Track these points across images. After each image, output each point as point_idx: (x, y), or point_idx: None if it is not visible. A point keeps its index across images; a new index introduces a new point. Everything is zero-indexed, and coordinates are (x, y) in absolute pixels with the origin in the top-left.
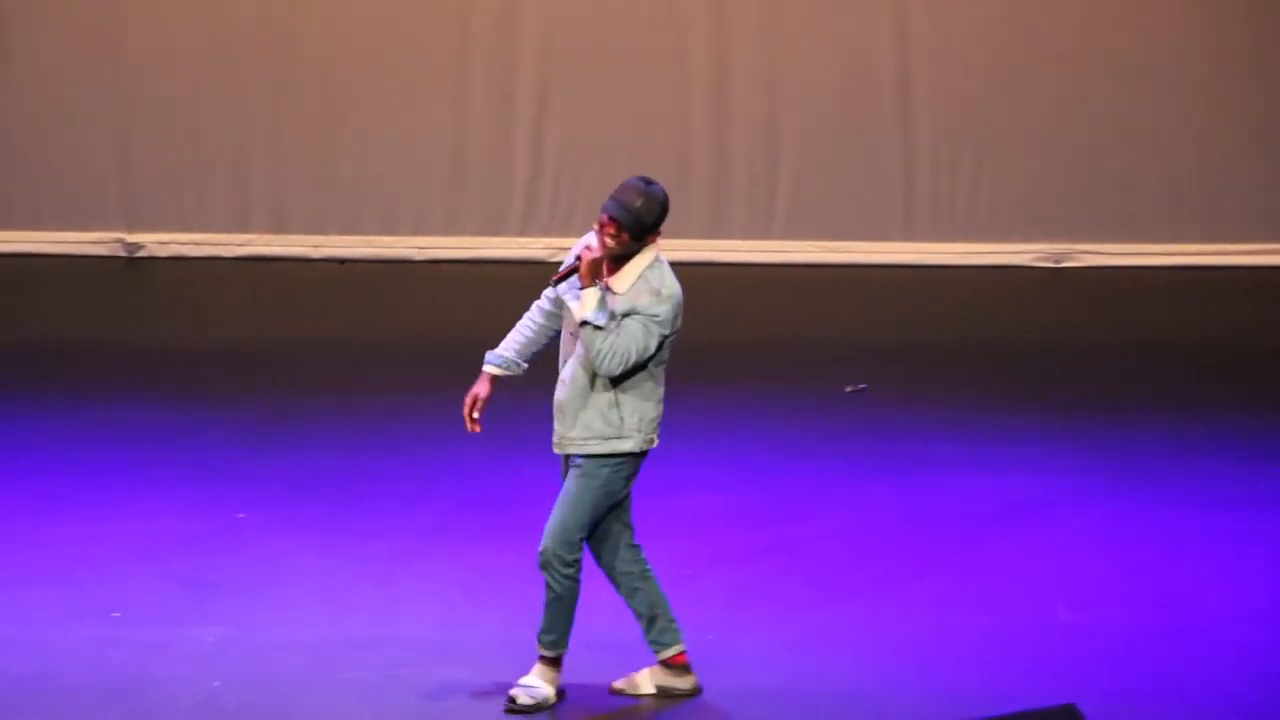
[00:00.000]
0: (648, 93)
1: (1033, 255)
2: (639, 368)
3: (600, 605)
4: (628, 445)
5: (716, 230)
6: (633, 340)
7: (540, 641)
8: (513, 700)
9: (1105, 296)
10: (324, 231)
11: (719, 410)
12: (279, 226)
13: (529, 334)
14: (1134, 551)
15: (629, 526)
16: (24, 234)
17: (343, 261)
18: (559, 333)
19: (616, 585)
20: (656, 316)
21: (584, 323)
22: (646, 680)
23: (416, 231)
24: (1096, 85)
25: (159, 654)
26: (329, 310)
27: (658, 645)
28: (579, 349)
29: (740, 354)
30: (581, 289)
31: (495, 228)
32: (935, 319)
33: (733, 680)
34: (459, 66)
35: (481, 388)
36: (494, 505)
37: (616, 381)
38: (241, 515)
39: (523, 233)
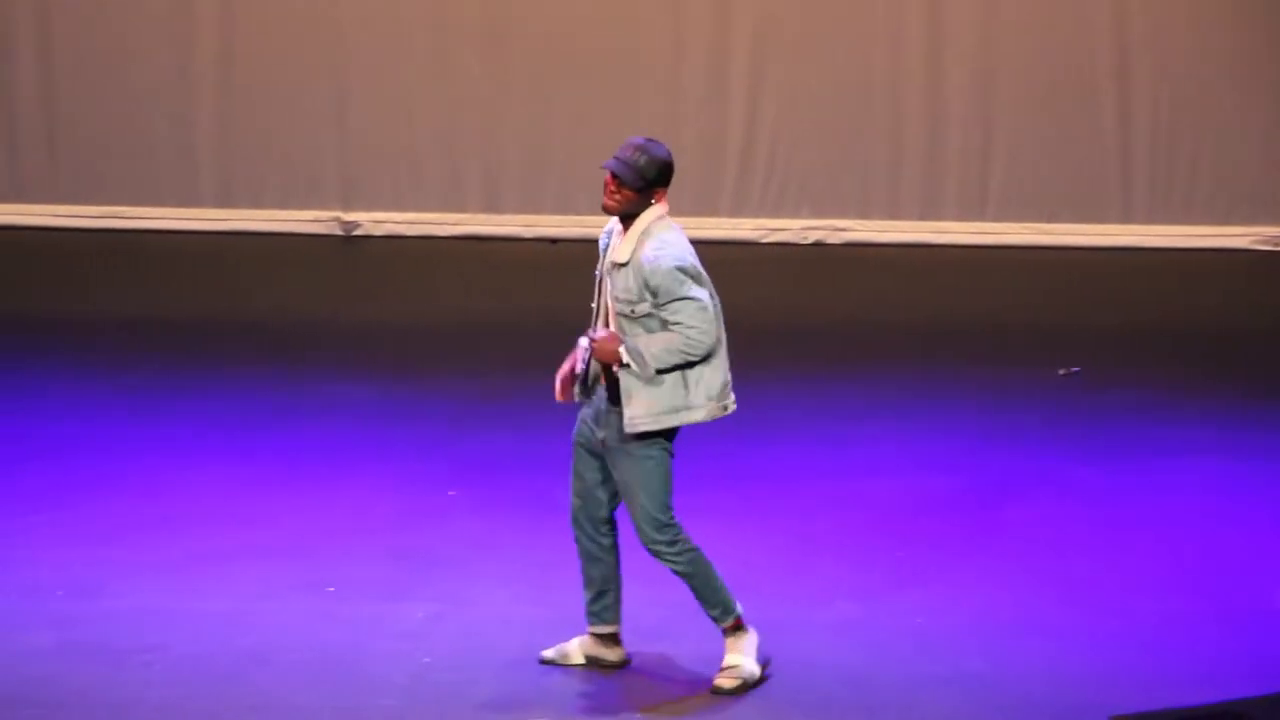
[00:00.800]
0: (860, 74)
1: (1252, 238)
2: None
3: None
4: (698, 415)
5: (929, 212)
6: (689, 318)
7: (714, 620)
8: (718, 688)
9: None
10: (537, 211)
11: (930, 392)
12: (492, 206)
13: None
14: None
15: (616, 499)
16: (245, 212)
17: (555, 241)
18: None
19: (580, 547)
20: (682, 268)
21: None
22: (577, 650)
23: None
24: None
25: (372, 629)
26: (541, 289)
27: (597, 619)
28: (632, 331)
29: (952, 335)
30: (611, 377)
31: (707, 208)
32: (1151, 302)
33: (941, 665)
34: (673, 45)
35: (573, 362)
36: (701, 482)
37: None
38: (453, 492)
39: (734, 213)
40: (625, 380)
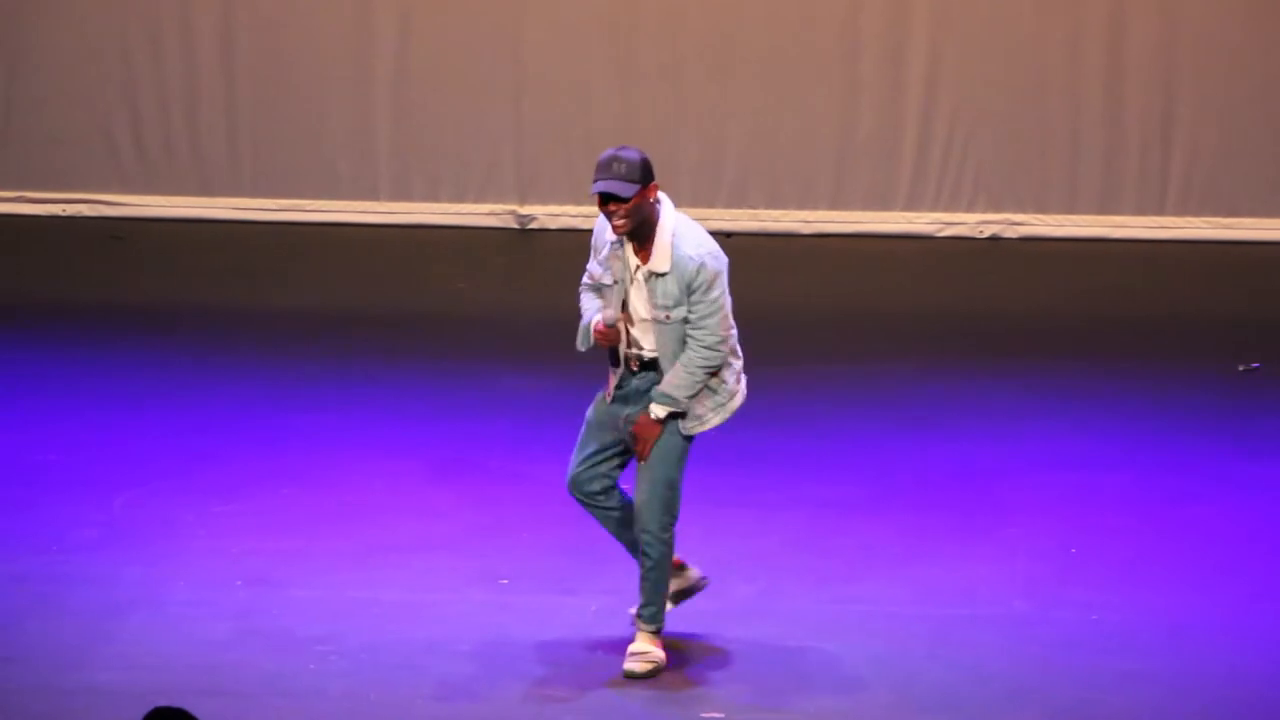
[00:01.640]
0: (1038, 66)
1: None
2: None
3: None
4: (739, 401)
5: (1107, 206)
6: (712, 331)
7: (645, 618)
8: (629, 667)
9: None
10: (711, 205)
11: (1106, 387)
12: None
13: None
14: None
15: (613, 477)
16: (421, 206)
17: (729, 235)
18: None
19: (591, 513)
20: (709, 291)
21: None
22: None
23: (802, 205)
24: None
25: (545, 621)
26: None
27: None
28: (657, 334)
29: (1129, 330)
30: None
31: (882, 202)
32: None
33: (1119, 662)
34: (849, 39)
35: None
36: (872, 478)
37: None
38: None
39: (909, 207)
40: (696, 376)
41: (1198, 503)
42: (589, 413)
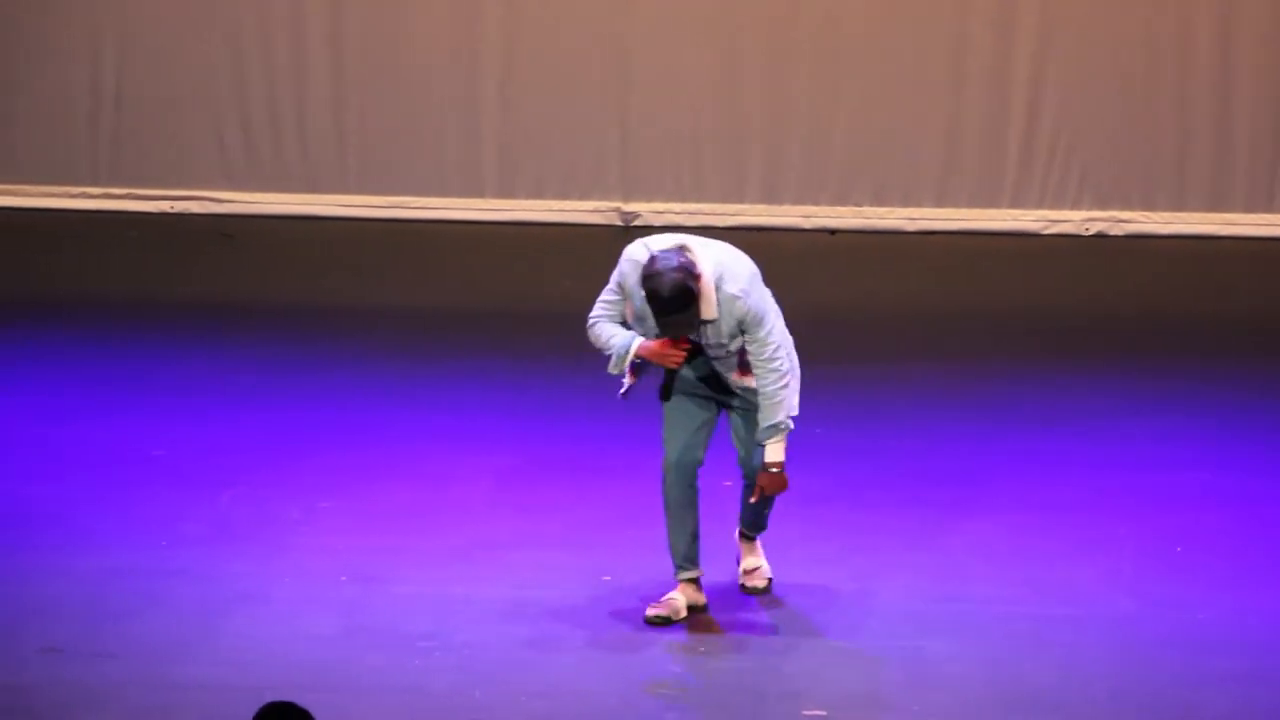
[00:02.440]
0: (1145, 61)
1: None
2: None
3: None
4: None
5: (1216, 203)
6: (774, 361)
7: (751, 535)
8: (742, 585)
9: None
10: (816, 202)
11: (1216, 386)
12: (771, 197)
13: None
14: None
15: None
16: (526, 203)
17: (834, 232)
18: None
19: (673, 500)
20: (762, 324)
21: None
22: (683, 604)
23: (907, 203)
24: None
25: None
26: (817, 279)
27: (691, 565)
28: (734, 365)
29: (1238, 329)
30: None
31: (988, 199)
32: None
33: (1224, 660)
34: (956, 35)
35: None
36: (978, 474)
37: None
38: (729, 483)
39: (1015, 204)
40: (780, 397)
41: None
42: (676, 387)
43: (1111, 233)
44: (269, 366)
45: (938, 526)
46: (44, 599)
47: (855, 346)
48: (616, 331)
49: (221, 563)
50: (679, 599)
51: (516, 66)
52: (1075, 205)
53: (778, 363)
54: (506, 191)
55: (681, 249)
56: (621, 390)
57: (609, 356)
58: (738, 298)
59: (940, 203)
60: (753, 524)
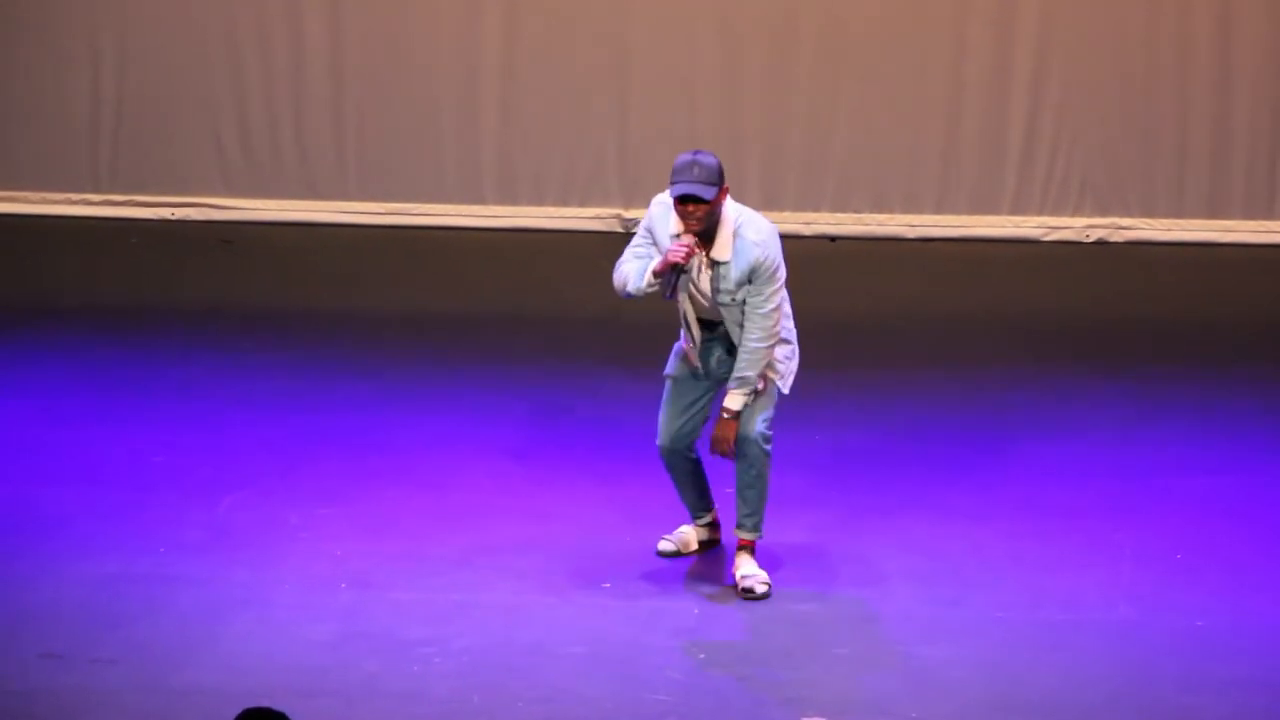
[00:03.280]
0: (1145, 68)
1: None
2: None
3: None
4: (794, 368)
5: (1216, 210)
6: (769, 319)
7: (747, 528)
8: (739, 590)
9: None
10: (816, 209)
11: (1215, 393)
12: (771, 203)
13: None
14: None
15: (701, 428)
16: (526, 209)
17: (833, 239)
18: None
19: (675, 475)
20: (772, 280)
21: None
22: (693, 538)
23: (907, 209)
24: None
25: (649, 625)
26: (817, 286)
27: (704, 511)
28: (726, 315)
29: (1237, 336)
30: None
31: (988, 206)
32: None
33: (1223, 667)
34: (956, 40)
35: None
36: (983, 482)
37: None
38: (730, 490)
39: (1015, 211)
40: (760, 354)
41: None
42: (674, 370)
43: (1112, 239)
44: (269, 373)
45: (939, 532)
46: (44, 605)
47: (855, 353)
48: (634, 266)
49: (221, 569)
50: (690, 532)
51: (516, 72)
52: (1076, 212)
53: (770, 322)
54: (507, 198)
55: None
56: (666, 295)
57: (628, 296)
58: (756, 244)
59: (940, 209)
60: (749, 511)
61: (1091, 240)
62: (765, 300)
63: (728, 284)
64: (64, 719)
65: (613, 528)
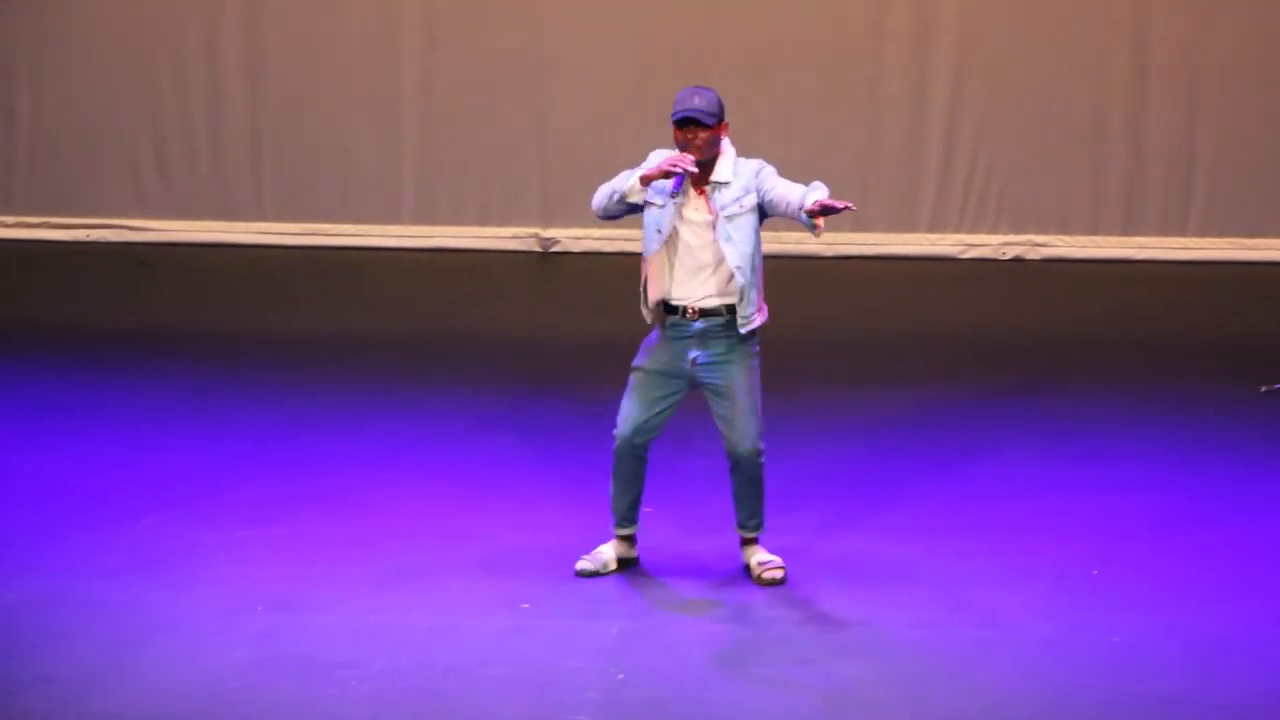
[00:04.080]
0: (1061, 87)
1: None
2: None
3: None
4: (765, 316)
5: (1130, 227)
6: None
7: (749, 528)
8: (760, 578)
9: None
10: None
11: (1129, 408)
12: None
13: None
14: None
15: (663, 424)
16: (446, 229)
17: None
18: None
19: (624, 469)
20: (776, 173)
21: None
22: (612, 557)
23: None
24: None
25: (567, 645)
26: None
27: (627, 523)
28: (731, 233)
29: (1152, 351)
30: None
31: (906, 224)
32: None
33: (1139, 683)
34: (873, 60)
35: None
36: (900, 501)
37: (760, 257)
38: (649, 509)
39: (933, 229)
40: (745, 279)
41: (1221, 525)
42: (644, 363)
43: (1029, 256)
44: (187, 395)
45: (856, 550)
46: None
47: (771, 372)
48: (620, 178)
49: (138, 592)
50: (609, 551)
51: (435, 92)
52: (993, 229)
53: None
54: (425, 217)
55: None
56: (673, 189)
57: (602, 209)
58: (752, 161)
59: (858, 227)
60: (749, 514)
61: (1008, 257)
62: (781, 180)
63: (733, 193)
64: None
65: (532, 549)
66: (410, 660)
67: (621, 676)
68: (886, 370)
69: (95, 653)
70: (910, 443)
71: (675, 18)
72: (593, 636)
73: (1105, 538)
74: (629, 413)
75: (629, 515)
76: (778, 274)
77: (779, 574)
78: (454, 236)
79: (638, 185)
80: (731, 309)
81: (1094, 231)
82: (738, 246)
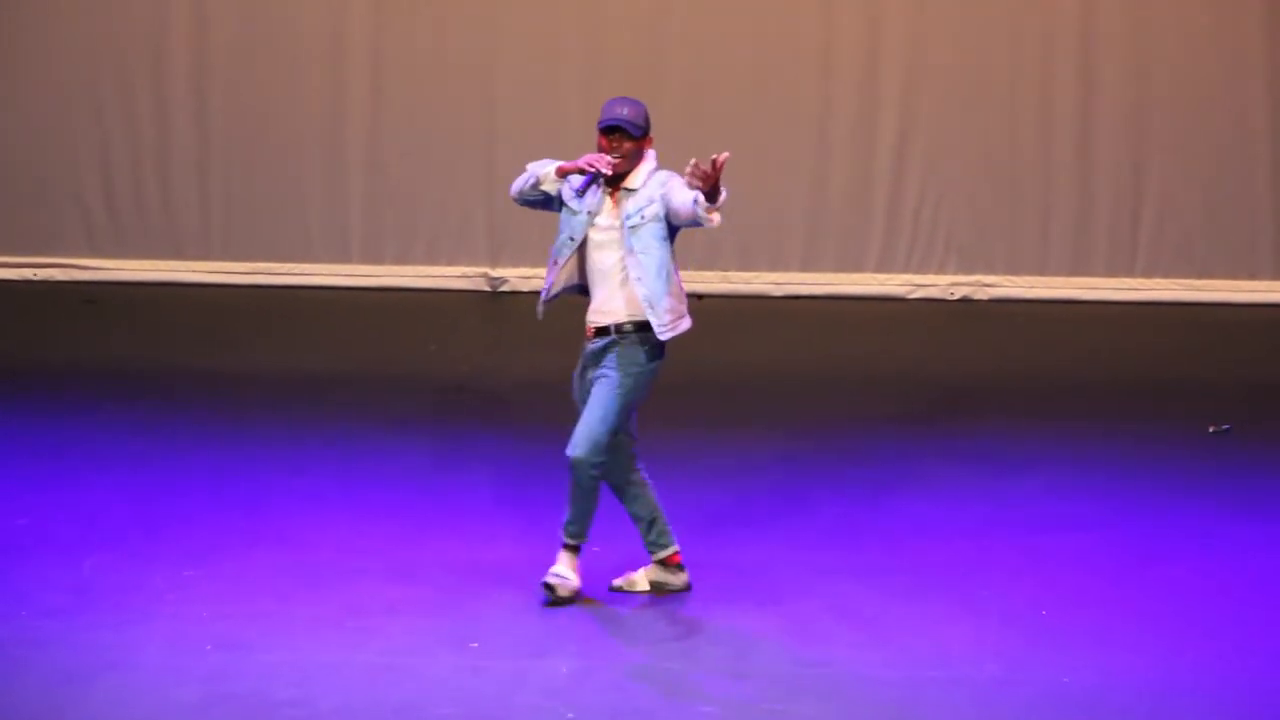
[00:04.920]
0: (1008, 128)
1: None
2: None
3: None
4: (689, 322)
5: (1078, 267)
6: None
7: (566, 531)
8: (551, 590)
9: None
10: (682, 266)
11: (1077, 448)
12: None
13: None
14: None
15: (632, 437)
16: (393, 269)
17: (700, 297)
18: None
19: (617, 492)
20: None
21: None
22: (643, 578)
23: (773, 267)
24: None
25: (516, 684)
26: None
27: (655, 546)
28: (637, 243)
29: (1100, 392)
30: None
31: (853, 264)
32: None
33: None
34: (821, 100)
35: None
36: (846, 537)
37: (670, 265)
38: (597, 549)
39: (880, 269)
40: (647, 291)
41: (1170, 563)
42: (576, 390)
43: (976, 297)
44: (132, 433)
45: (804, 590)
46: None
47: (722, 411)
48: (538, 164)
49: (84, 631)
50: (636, 574)
51: (382, 131)
52: (941, 270)
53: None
54: (373, 257)
55: None
56: (576, 189)
57: (518, 194)
58: (663, 172)
59: (806, 267)
60: (569, 519)
61: (956, 298)
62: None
63: (638, 203)
64: None
65: (480, 587)
66: (360, 699)
67: (571, 715)
68: (833, 410)
69: (43, 692)
70: (855, 482)
71: (622, 56)
72: (542, 675)
73: (1055, 577)
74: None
75: (650, 538)
76: (725, 314)
77: (554, 582)
78: (402, 275)
79: (553, 174)
80: (641, 325)
81: (1042, 272)
82: (638, 257)
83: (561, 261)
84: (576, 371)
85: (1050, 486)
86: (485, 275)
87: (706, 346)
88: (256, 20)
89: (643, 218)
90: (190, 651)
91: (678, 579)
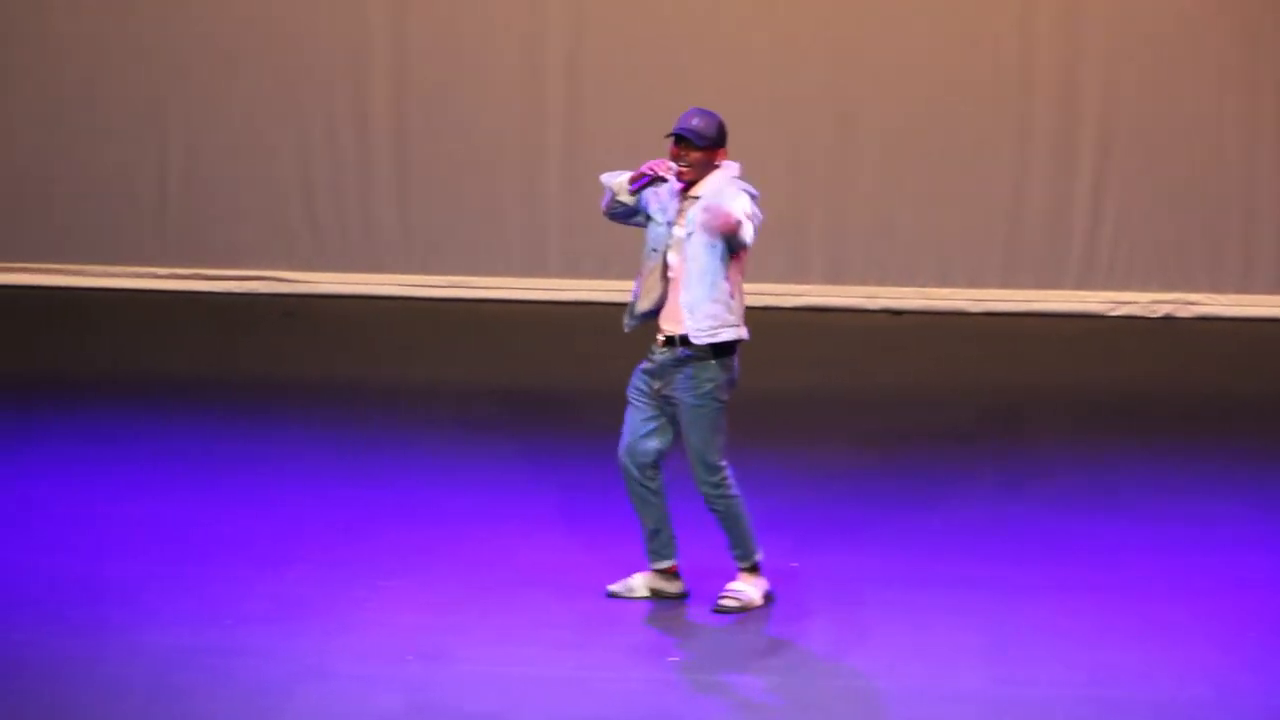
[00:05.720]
0: (1208, 144)
1: None
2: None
3: None
4: (744, 331)
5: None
6: (749, 209)
7: (735, 557)
8: (724, 610)
9: None
10: (881, 283)
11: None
12: (835, 278)
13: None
14: None
15: (662, 451)
16: (590, 283)
17: (898, 313)
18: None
19: (629, 491)
20: (754, 196)
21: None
22: (642, 585)
23: (972, 284)
24: None
25: (713, 699)
26: (881, 359)
27: (656, 556)
28: (688, 250)
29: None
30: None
31: (1053, 281)
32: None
33: None
34: (1020, 119)
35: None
36: (1051, 559)
37: (728, 274)
38: (794, 563)
39: (1080, 286)
40: (687, 296)
41: (1249, 586)
42: (631, 383)
43: (1179, 314)
44: (333, 445)
45: (1008, 608)
46: (111, 679)
47: (918, 426)
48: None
49: (286, 640)
50: (634, 580)
51: (578, 145)
52: (1144, 286)
53: (742, 203)
54: (570, 270)
55: None
56: (631, 190)
57: (606, 205)
58: (734, 185)
59: (1005, 284)
60: (731, 544)
61: (1159, 315)
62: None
63: (694, 212)
64: None
65: (677, 603)
66: (557, 713)
67: None
68: (1028, 426)
69: (247, 701)
70: (1053, 500)
71: (816, 78)
72: (740, 690)
73: (1268, 598)
74: (622, 434)
75: (653, 547)
76: (923, 330)
77: (729, 603)
78: (598, 289)
79: (625, 183)
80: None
81: (1246, 290)
82: (688, 265)
83: (645, 271)
84: (642, 365)
85: (1261, 504)
86: None
87: (903, 363)
88: (453, 38)
89: (695, 227)
90: (389, 661)
91: (673, 587)
